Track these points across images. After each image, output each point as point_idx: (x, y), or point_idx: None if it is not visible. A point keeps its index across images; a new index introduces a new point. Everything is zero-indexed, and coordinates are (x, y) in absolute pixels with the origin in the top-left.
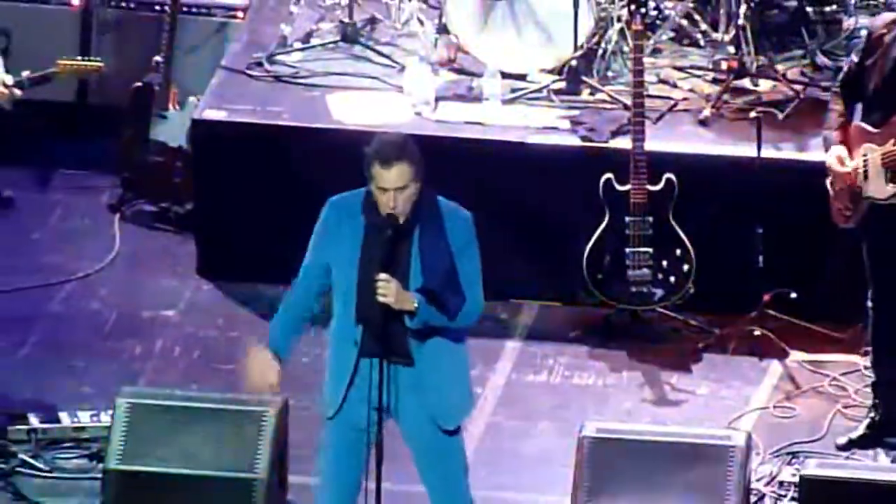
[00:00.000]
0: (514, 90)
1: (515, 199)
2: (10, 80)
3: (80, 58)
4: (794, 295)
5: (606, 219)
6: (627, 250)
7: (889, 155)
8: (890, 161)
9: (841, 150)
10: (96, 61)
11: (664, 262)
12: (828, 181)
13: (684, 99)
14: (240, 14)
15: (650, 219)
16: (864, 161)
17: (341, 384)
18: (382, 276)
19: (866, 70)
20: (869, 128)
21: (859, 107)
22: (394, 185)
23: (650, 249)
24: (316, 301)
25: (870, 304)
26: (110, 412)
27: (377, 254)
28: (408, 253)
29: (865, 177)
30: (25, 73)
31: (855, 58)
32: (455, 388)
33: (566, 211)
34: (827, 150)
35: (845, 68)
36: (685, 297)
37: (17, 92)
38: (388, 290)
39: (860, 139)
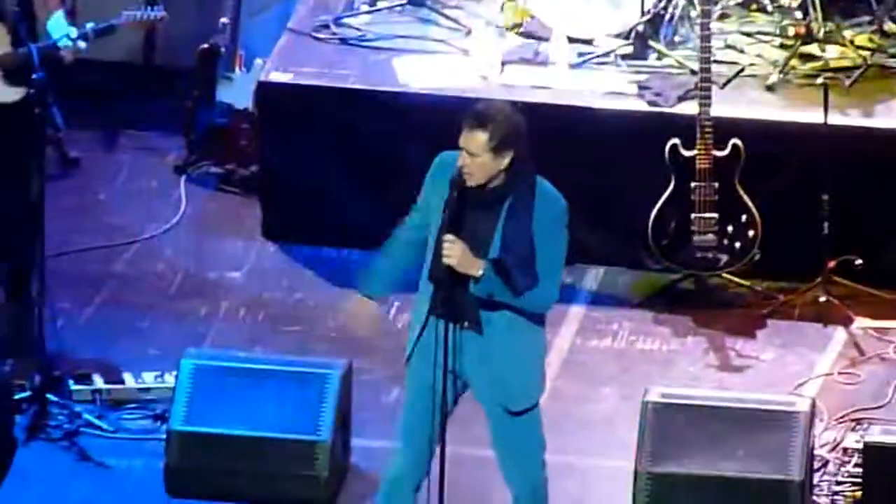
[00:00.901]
0: (580, 55)
1: (581, 164)
2: (74, 32)
3: (144, 8)
4: (859, 261)
5: (672, 184)
6: (693, 216)
7: None
8: None
9: None
10: (159, 12)
11: (729, 228)
12: None
13: (751, 64)
14: None
15: (716, 184)
16: None
17: (413, 335)
18: (448, 236)
19: None
20: None
21: None
22: (467, 148)
23: (716, 215)
24: (415, 251)
25: None
26: (175, 373)
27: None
28: (493, 225)
29: None
30: (90, 25)
31: None
32: (525, 370)
33: (632, 176)
34: None
35: None
36: (750, 262)
37: (81, 44)
38: (452, 251)
39: None
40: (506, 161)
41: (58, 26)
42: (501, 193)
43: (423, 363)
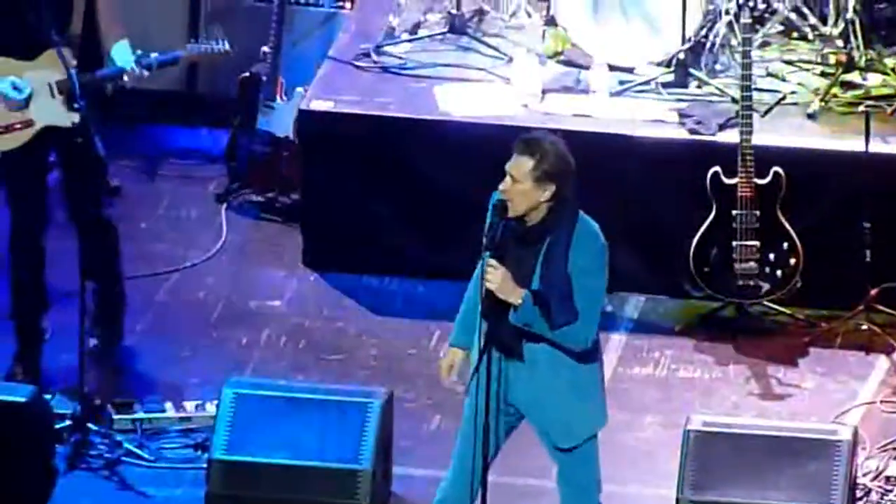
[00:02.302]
0: (621, 83)
1: (622, 192)
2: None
3: (207, 41)
4: None
5: (713, 212)
6: (734, 244)
7: None
8: None
9: None
10: (224, 46)
11: (771, 256)
12: None
13: (792, 92)
14: (347, 5)
15: (757, 212)
16: None
17: (472, 367)
18: (491, 261)
19: None
20: None
21: None
22: (510, 171)
23: (757, 243)
24: None
25: None
26: (216, 402)
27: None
28: (535, 258)
29: None
30: (154, 55)
31: None
32: (568, 408)
33: (673, 204)
34: None
35: None
36: (792, 291)
37: (145, 72)
38: (494, 276)
39: None
40: (547, 194)
41: (122, 53)
42: (542, 230)
43: (477, 392)
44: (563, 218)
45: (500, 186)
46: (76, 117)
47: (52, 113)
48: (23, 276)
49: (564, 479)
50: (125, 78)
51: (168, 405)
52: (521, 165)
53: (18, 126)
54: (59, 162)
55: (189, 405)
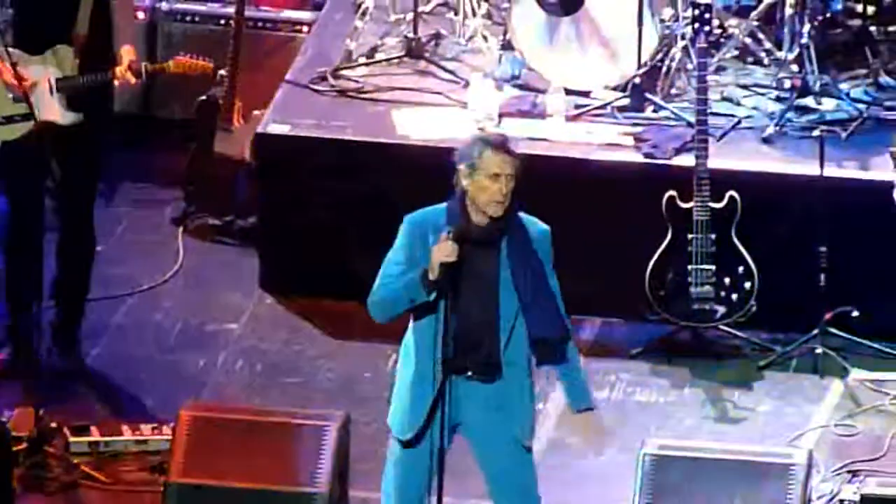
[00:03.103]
0: (577, 106)
1: (578, 216)
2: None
3: (193, 57)
4: (855, 313)
5: (669, 236)
6: (690, 267)
7: None
8: None
9: None
10: (207, 61)
11: (727, 280)
12: (894, 193)
13: (748, 117)
14: (305, 29)
15: (713, 236)
16: None
17: (423, 405)
18: (443, 235)
19: None
20: None
21: None
22: (506, 171)
23: (713, 267)
24: None
25: None
26: (172, 425)
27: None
28: (496, 264)
29: None
30: (144, 64)
31: None
32: (532, 403)
33: (629, 227)
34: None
35: None
36: (747, 314)
37: (132, 79)
38: (451, 249)
39: None
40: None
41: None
42: (499, 230)
43: (431, 427)
44: (513, 214)
45: (502, 190)
46: (73, 117)
47: (51, 109)
48: (17, 275)
49: (518, 481)
50: (115, 83)
51: (125, 428)
52: (513, 161)
53: (18, 118)
54: (56, 161)
55: (146, 428)
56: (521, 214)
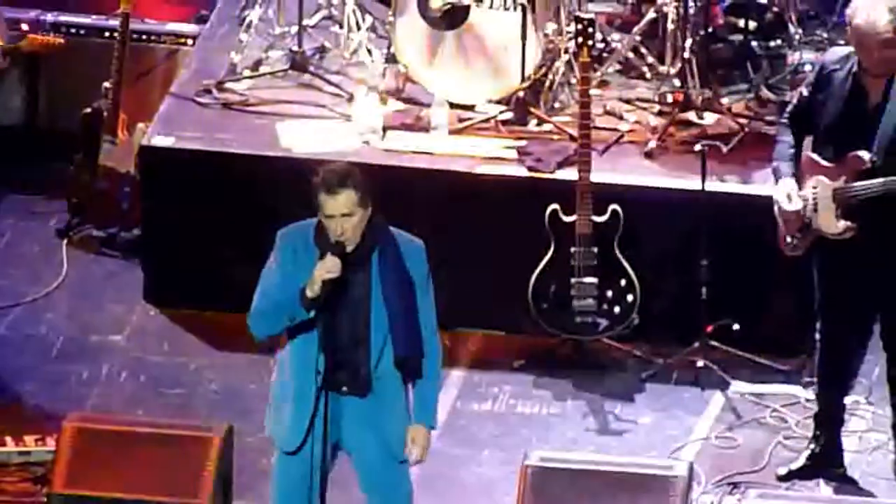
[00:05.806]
0: (461, 120)
1: (461, 229)
2: None
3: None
4: (736, 326)
5: (552, 249)
6: (572, 280)
7: (840, 191)
8: (841, 197)
9: (790, 186)
10: (58, 38)
11: (609, 293)
12: (775, 209)
13: (630, 131)
14: (189, 41)
15: (595, 250)
16: (814, 193)
17: (304, 418)
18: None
19: (816, 104)
20: (821, 160)
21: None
22: (339, 211)
23: (595, 280)
24: None
25: (817, 335)
26: (56, 436)
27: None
28: (367, 281)
29: (815, 209)
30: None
31: (805, 91)
32: (405, 417)
33: (512, 240)
34: (777, 182)
35: (795, 101)
36: (629, 327)
37: None
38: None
39: (812, 170)
40: (367, 214)
41: None
42: (368, 248)
43: (312, 441)
44: (379, 231)
45: (338, 230)
46: None
47: None
48: None
49: (393, 492)
50: None
51: (8, 439)
52: (348, 198)
53: None
54: None
55: (29, 439)
56: (395, 230)
